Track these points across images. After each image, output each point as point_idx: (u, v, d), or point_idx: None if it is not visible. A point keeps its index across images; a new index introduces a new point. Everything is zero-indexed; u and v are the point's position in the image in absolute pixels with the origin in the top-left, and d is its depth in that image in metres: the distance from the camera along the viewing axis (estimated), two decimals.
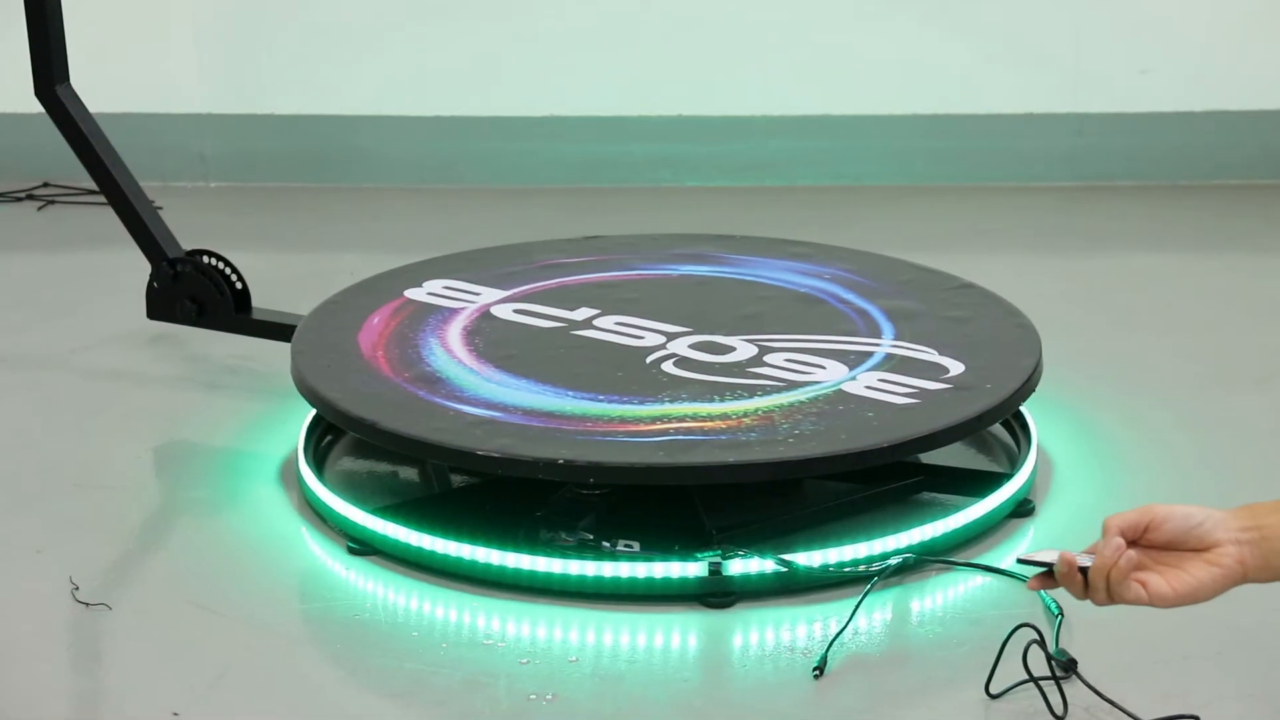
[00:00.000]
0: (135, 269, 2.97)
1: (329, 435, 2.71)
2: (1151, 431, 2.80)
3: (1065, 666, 2.17)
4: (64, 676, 2.32)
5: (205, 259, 2.93)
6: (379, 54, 3.73)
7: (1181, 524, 1.64)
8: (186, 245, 2.95)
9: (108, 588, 2.43)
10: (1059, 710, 2.11)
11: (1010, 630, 2.18)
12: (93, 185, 2.98)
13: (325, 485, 2.57)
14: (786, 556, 2.37)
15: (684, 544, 2.39)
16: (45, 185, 3.63)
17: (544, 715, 2.18)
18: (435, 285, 2.88)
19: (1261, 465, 2.73)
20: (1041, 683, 2.13)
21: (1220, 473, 2.70)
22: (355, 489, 2.58)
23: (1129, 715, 2.09)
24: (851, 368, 2.61)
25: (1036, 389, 2.62)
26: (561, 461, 2.40)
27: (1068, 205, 3.60)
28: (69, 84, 2.91)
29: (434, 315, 2.79)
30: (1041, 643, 2.17)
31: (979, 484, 2.56)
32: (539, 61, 3.71)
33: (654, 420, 2.49)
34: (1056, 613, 2.29)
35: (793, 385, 2.57)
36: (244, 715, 2.20)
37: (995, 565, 2.43)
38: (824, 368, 2.61)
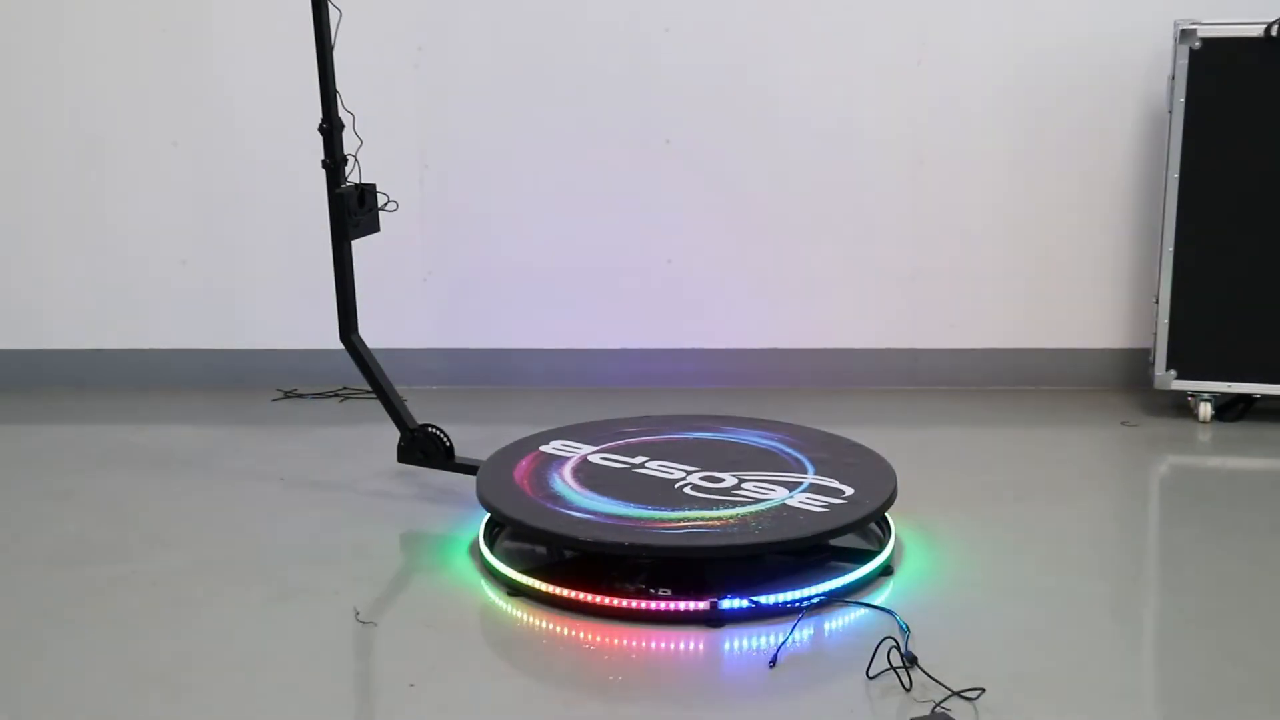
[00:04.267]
0: (391, 435, 2.98)
1: (496, 528, 2.68)
2: (964, 529, 2.76)
3: (910, 660, 2.16)
4: (350, 661, 2.32)
5: (429, 428, 2.93)
6: (525, 310, 3.71)
7: None
8: (420, 420, 2.95)
9: (375, 613, 2.43)
10: (907, 685, 2.10)
11: (880, 640, 2.19)
12: (368, 388, 3.00)
13: (495, 556, 2.56)
14: (754, 598, 2.36)
15: (696, 591, 2.38)
16: (344, 388, 3.64)
17: (618, 689, 2.18)
18: (557, 444, 2.87)
19: (1033, 547, 2.68)
20: (897, 670, 2.13)
21: (1007, 554, 2.66)
22: (511, 558, 2.56)
23: (945, 687, 2.08)
24: (790, 490, 2.59)
25: (895, 502, 2.61)
26: (627, 543, 2.42)
27: (910, 402, 3.58)
28: (358, 333, 2.93)
29: (556, 461, 2.78)
30: (898, 646, 2.18)
31: (862, 556, 2.53)
32: (615, 318, 3.70)
33: (679, 520, 2.48)
34: (906, 630, 2.26)
35: (757, 500, 2.55)
36: (453, 687, 2.18)
37: (871, 603, 2.41)
38: (775, 490, 2.60)
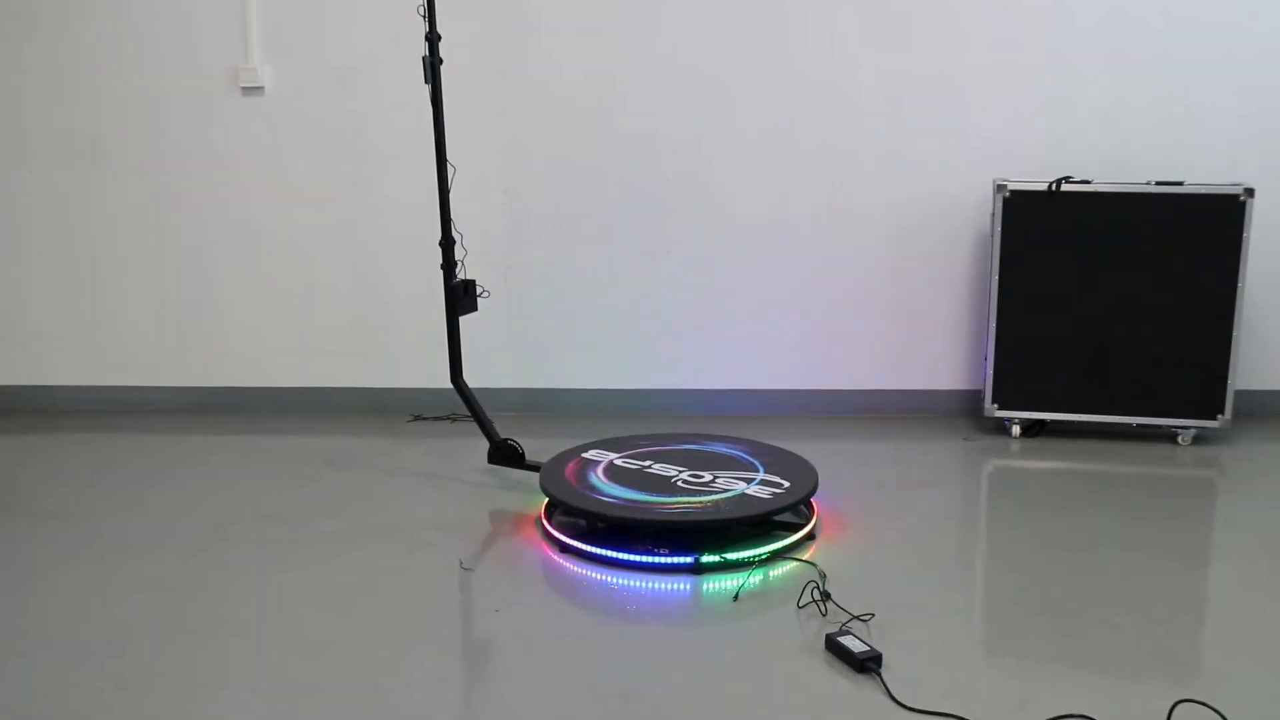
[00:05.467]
0: (483, 445, 2.97)
1: (553, 507, 2.67)
2: (861, 508, 2.75)
3: (825, 596, 2.17)
4: (456, 594, 2.32)
5: (509, 441, 2.93)
6: (572, 362, 3.66)
7: None
8: (503, 435, 2.95)
9: (474, 561, 2.44)
10: (823, 612, 2.12)
11: (805, 582, 2.21)
12: (469, 414, 2.99)
13: (551, 525, 2.57)
14: (724, 555, 2.37)
15: (685, 550, 2.39)
16: (453, 414, 3.57)
17: (632, 614, 2.19)
18: (594, 452, 2.86)
19: (905, 519, 2.67)
20: (817, 602, 2.15)
21: (888, 524, 2.65)
22: (563, 527, 2.56)
23: (848, 613, 2.10)
24: (747, 483, 2.61)
25: (816, 491, 2.62)
26: (639, 519, 2.43)
27: (826, 425, 3.52)
28: (462, 377, 2.94)
29: (594, 463, 2.78)
30: (818, 586, 2.20)
31: (795, 527, 2.54)
32: (630, 368, 3.65)
33: (674, 503, 2.49)
34: (822, 574, 2.27)
35: (726, 490, 2.57)
36: (524, 612, 2.18)
37: (800, 558, 2.41)
38: (737, 483, 2.61)
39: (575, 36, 3.48)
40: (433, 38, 2.76)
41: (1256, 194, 3.15)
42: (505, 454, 2.94)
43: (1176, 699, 1.80)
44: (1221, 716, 1.76)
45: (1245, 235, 3.14)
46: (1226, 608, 2.19)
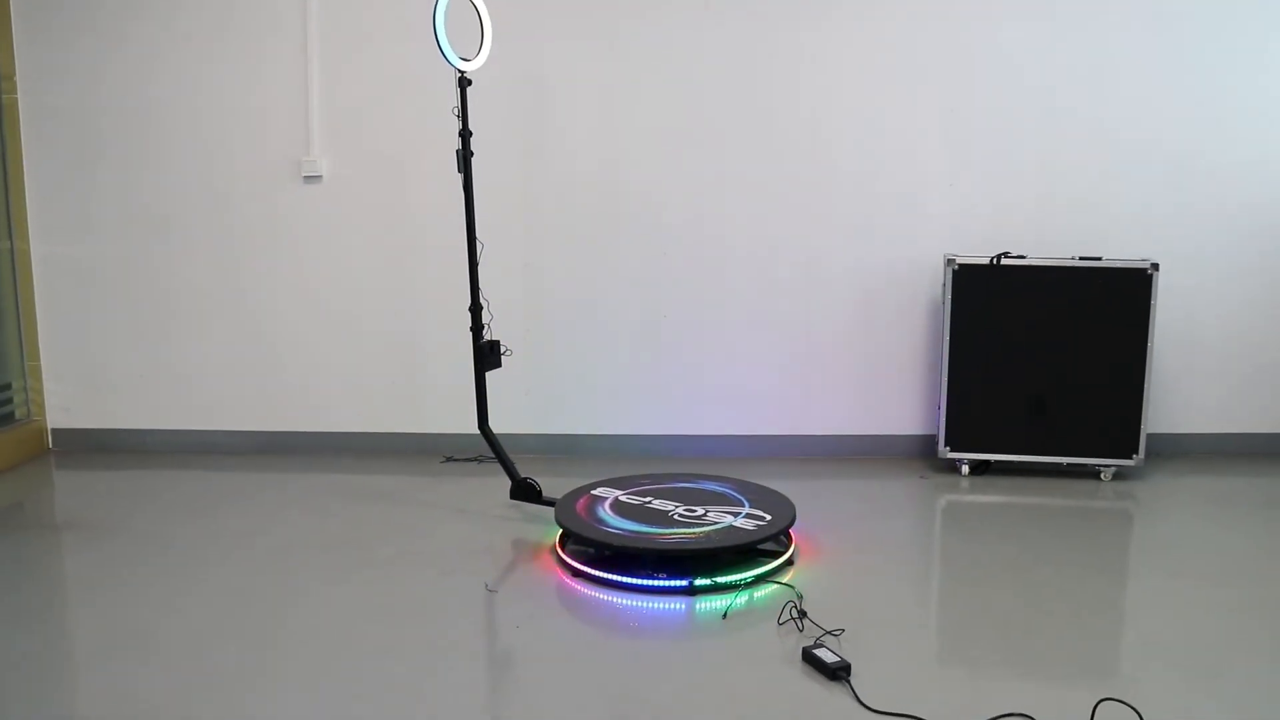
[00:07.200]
0: (506, 483, 2.98)
1: (566, 537, 2.66)
2: (832, 537, 2.74)
3: (801, 612, 2.18)
4: (481, 612, 2.31)
5: (528, 479, 2.92)
6: (583, 411, 3.64)
7: None
8: (523, 474, 2.95)
9: (498, 583, 2.43)
10: (800, 628, 2.13)
11: (785, 601, 2.22)
12: (494, 456, 2.98)
13: (565, 553, 2.56)
14: (716, 579, 2.37)
15: (681, 574, 2.39)
16: (480, 456, 3.54)
17: (635, 630, 2.18)
18: (601, 489, 2.85)
19: (870, 547, 2.66)
20: (795, 619, 2.16)
21: (856, 551, 2.65)
22: (574, 554, 2.56)
23: (821, 628, 2.11)
24: (734, 516, 2.60)
25: (794, 522, 2.61)
26: (641, 547, 2.42)
27: (802, 465, 3.49)
28: (488, 424, 2.93)
29: (602, 499, 2.77)
30: (795, 605, 2.21)
31: (776, 553, 2.53)
32: (634, 416, 3.63)
33: (671, 534, 2.49)
34: (799, 594, 2.28)
35: (715, 523, 2.56)
36: (540, 629, 2.18)
37: (780, 580, 2.42)
38: (725, 516, 2.60)
39: (588, 135, 3.56)
40: (465, 134, 2.82)
41: (1160, 268, 3.25)
42: (525, 491, 2.93)
43: (1100, 697, 1.83)
44: (1136, 712, 1.78)
45: (1153, 302, 3.22)
46: (1141, 619, 2.22)
